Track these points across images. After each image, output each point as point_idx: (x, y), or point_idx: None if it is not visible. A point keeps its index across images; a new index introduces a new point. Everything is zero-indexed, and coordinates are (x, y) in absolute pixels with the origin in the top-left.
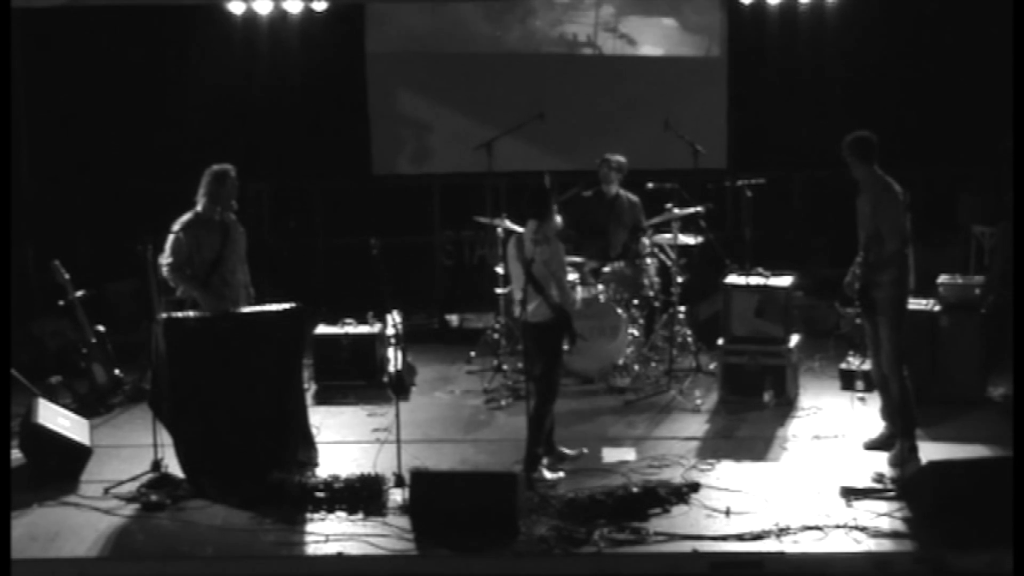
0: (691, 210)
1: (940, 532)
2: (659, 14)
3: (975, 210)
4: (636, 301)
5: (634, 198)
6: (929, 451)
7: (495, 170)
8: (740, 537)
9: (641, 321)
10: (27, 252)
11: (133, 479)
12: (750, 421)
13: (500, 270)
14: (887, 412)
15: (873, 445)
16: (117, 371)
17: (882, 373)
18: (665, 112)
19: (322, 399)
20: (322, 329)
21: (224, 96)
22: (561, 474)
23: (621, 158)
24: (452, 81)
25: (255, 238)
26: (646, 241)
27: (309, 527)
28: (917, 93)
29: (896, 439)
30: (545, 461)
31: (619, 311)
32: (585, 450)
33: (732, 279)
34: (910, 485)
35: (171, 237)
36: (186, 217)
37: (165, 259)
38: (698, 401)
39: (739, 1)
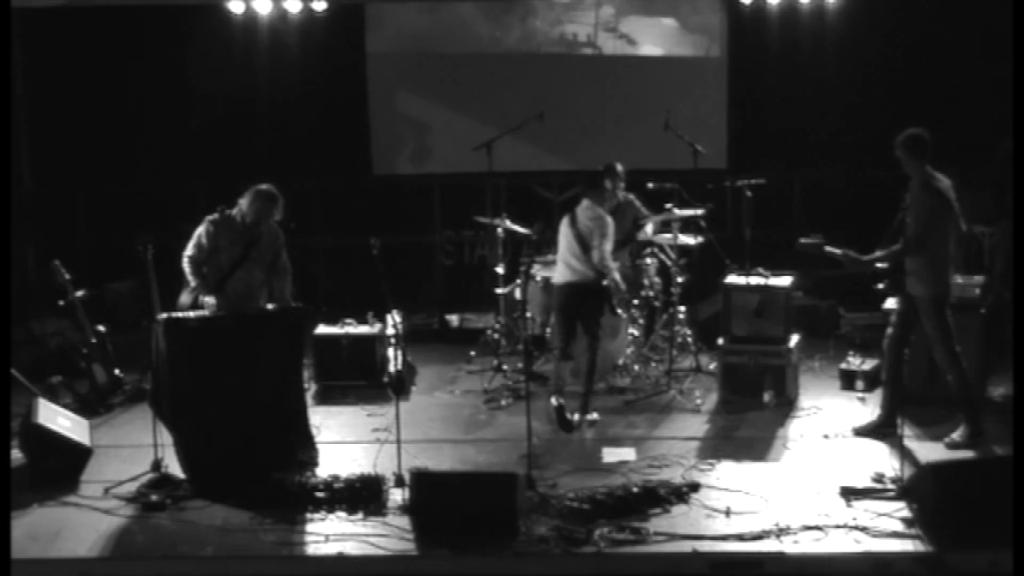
0: (690, 211)
1: (940, 532)
2: (659, 14)
3: (975, 209)
4: (636, 301)
5: (629, 195)
6: (929, 451)
7: (495, 170)
8: (740, 537)
9: (641, 321)
10: (27, 252)
11: (133, 479)
12: (750, 421)
13: (500, 270)
14: (887, 403)
15: (862, 431)
16: (117, 371)
17: (893, 356)
18: (665, 112)
19: (322, 399)
20: (322, 329)
21: (224, 96)
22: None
23: (619, 167)
24: (452, 81)
25: None
26: (648, 230)
27: (309, 527)
28: (917, 93)
29: (886, 428)
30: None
31: (619, 311)
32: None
33: (732, 279)
34: (910, 485)
35: (199, 229)
36: (215, 215)
37: (187, 249)
38: (698, 401)
39: (739, 1)
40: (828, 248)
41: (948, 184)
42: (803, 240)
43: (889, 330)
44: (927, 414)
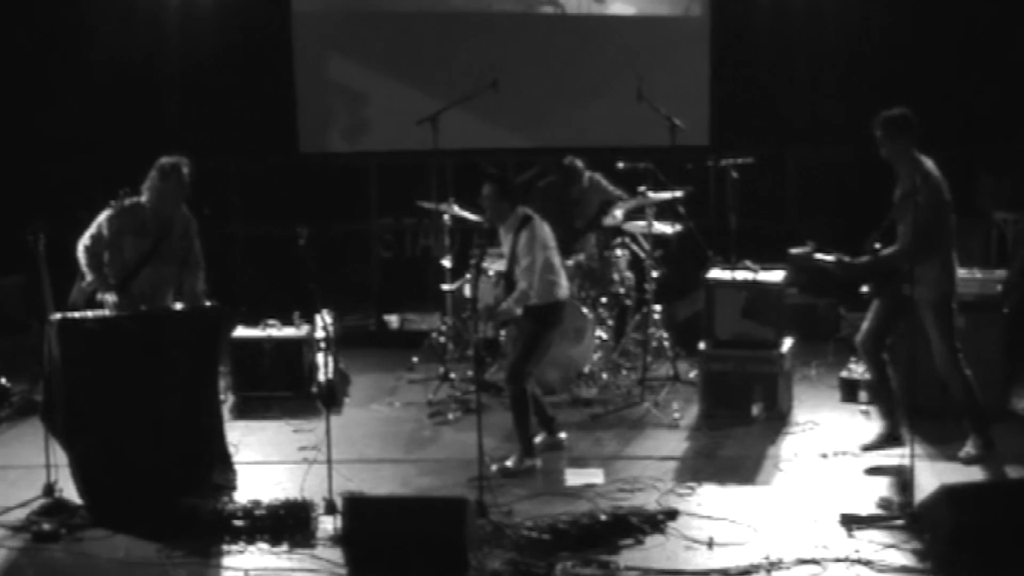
0: (667, 195)
1: (956, 565)
2: None
3: (996, 194)
4: (604, 299)
5: (596, 176)
6: (944, 472)
7: (441, 148)
8: (725, 572)
9: (610, 322)
10: None
11: (22, 505)
12: (736, 438)
13: (447, 263)
14: (885, 411)
15: (870, 447)
16: (3, 380)
17: (872, 353)
18: (638, 81)
19: (241, 413)
20: (241, 332)
21: (128, 64)
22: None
23: (577, 161)
24: (391, 44)
25: None
26: (618, 215)
27: (226, 560)
28: (929, 60)
29: (893, 441)
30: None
31: (584, 311)
32: (539, 462)
33: (715, 274)
34: (922, 512)
35: (100, 216)
36: (119, 202)
37: (84, 238)
38: (676, 415)
39: None
40: (819, 256)
41: (936, 166)
42: (793, 251)
43: (864, 324)
44: (940, 430)
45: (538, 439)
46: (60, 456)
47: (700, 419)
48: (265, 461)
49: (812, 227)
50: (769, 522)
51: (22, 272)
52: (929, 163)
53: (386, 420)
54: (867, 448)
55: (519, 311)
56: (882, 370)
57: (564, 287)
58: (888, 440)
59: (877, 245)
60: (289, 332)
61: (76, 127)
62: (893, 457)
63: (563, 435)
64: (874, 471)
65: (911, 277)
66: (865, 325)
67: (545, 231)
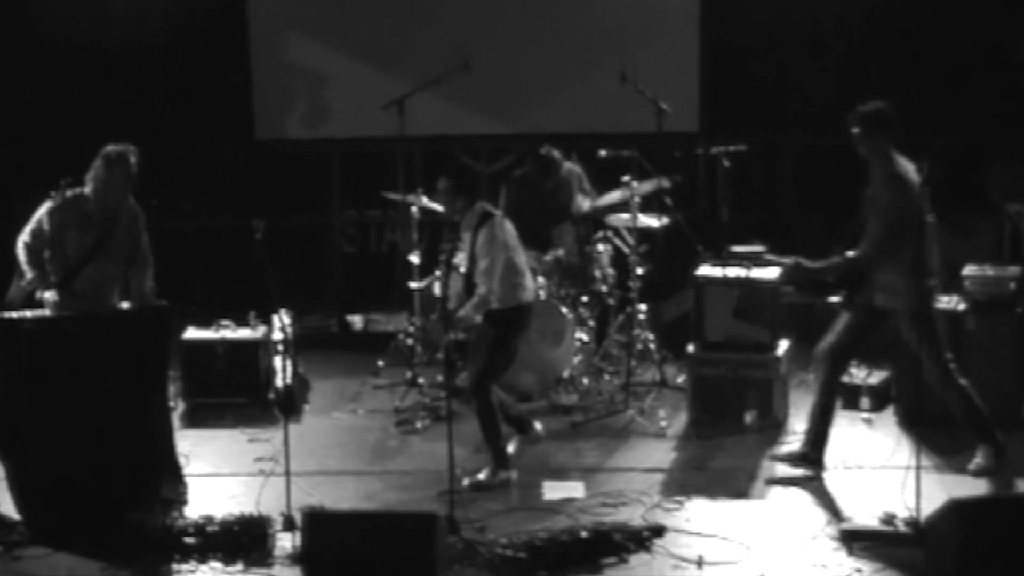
0: (653, 185)
1: None
2: None
3: (1008, 185)
4: (585, 298)
5: (575, 167)
6: (952, 485)
7: (408, 134)
8: None
9: (591, 323)
10: None
11: None
12: (728, 448)
13: (415, 259)
14: (815, 430)
15: (779, 457)
16: None
17: (829, 367)
18: (622, 62)
19: (192, 421)
20: (192, 333)
21: (69, 41)
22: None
23: (554, 152)
24: (355, 22)
25: None
26: (584, 206)
27: None
28: (936, 39)
29: (807, 462)
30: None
31: (563, 311)
32: (514, 474)
33: (705, 271)
34: (928, 528)
35: (40, 211)
36: (60, 194)
37: (24, 234)
38: (663, 423)
39: None
40: (771, 258)
41: (914, 170)
42: (736, 249)
43: (829, 338)
44: (948, 439)
45: (512, 447)
46: None
47: (689, 428)
48: (218, 473)
49: (809, 220)
50: (763, 539)
51: None
52: (903, 163)
53: (349, 429)
54: (775, 458)
55: (479, 318)
56: (831, 387)
57: (529, 289)
58: (801, 460)
59: (849, 254)
60: (244, 334)
61: (12, 112)
62: (898, 468)
63: (538, 425)
64: (877, 484)
65: (889, 288)
66: (830, 336)
67: (507, 229)
